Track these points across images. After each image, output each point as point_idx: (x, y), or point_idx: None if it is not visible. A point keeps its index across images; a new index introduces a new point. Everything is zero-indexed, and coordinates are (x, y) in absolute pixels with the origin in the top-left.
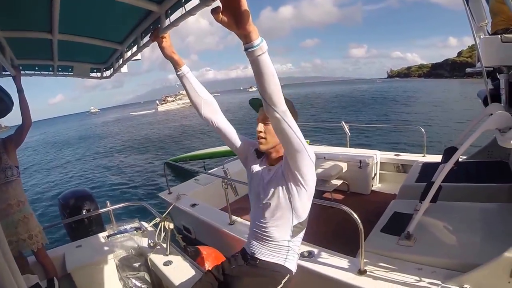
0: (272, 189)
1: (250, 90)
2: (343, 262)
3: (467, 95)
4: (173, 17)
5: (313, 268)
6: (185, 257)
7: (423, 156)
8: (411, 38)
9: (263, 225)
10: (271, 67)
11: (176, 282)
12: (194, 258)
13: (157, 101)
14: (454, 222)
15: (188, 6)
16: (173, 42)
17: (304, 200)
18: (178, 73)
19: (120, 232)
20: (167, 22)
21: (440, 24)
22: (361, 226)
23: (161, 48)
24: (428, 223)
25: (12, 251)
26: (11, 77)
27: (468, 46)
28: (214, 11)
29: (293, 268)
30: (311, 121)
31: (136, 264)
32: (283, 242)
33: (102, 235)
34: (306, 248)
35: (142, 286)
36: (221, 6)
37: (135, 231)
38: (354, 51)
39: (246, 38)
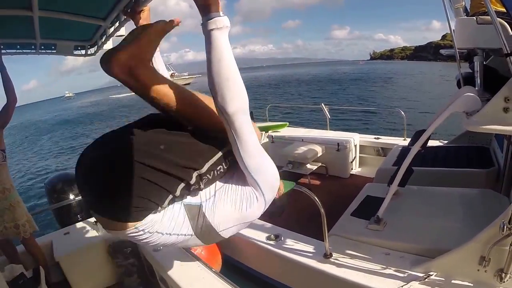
0: None
1: None
2: (310, 246)
3: (449, 78)
4: None
5: (279, 251)
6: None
7: (404, 139)
8: (394, 20)
9: None
10: (222, 49)
11: (167, 267)
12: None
13: None
14: (428, 207)
15: None
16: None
17: None
18: None
19: None
20: None
21: (424, 7)
22: (322, 209)
23: (137, 24)
24: (401, 207)
25: None
26: None
27: (453, 30)
28: None
29: None
30: (291, 102)
31: (127, 250)
32: None
33: (90, 221)
34: (275, 231)
35: (133, 272)
36: None
37: None
38: (336, 33)
39: (204, 10)
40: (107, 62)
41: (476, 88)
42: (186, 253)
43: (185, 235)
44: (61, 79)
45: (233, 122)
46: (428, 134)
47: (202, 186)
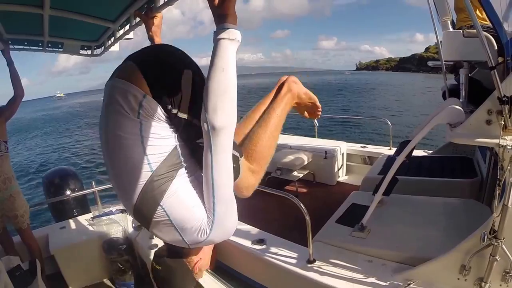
0: None
1: None
2: (294, 251)
3: (431, 89)
4: None
5: (263, 255)
6: None
7: (389, 149)
8: (380, 32)
9: None
10: (228, 60)
11: None
12: None
13: None
14: (412, 215)
15: None
16: (144, 32)
17: None
18: None
19: (106, 214)
20: (161, 1)
21: (408, 20)
22: (307, 217)
23: (149, 30)
24: (386, 215)
25: None
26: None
27: (435, 43)
28: None
29: None
30: None
31: (121, 247)
32: None
33: (86, 217)
34: (260, 235)
35: (127, 269)
36: None
37: (120, 214)
38: (323, 43)
39: (220, 19)
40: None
41: (461, 100)
42: None
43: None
44: (52, 79)
45: (216, 136)
46: (413, 145)
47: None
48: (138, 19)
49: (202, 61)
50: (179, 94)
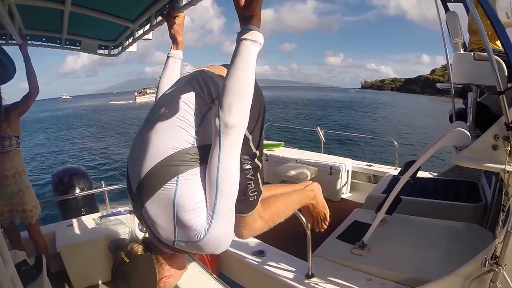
0: None
1: None
2: (293, 265)
3: (435, 111)
4: None
5: (262, 267)
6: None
7: (395, 168)
8: (386, 52)
9: None
10: (249, 60)
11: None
12: None
13: (136, 92)
14: (413, 236)
15: None
16: (154, 36)
17: None
18: (171, 52)
19: (113, 214)
20: (184, 1)
21: (415, 40)
22: (308, 231)
23: (171, 28)
24: (387, 235)
25: (3, 222)
26: (18, 46)
27: (442, 65)
28: None
29: None
30: (286, 123)
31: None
32: None
33: (94, 216)
34: (260, 247)
35: None
36: None
37: (128, 214)
38: (330, 59)
39: (245, 20)
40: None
41: (468, 124)
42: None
43: None
44: (59, 80)
45: (227, 135)
46: (418, 165)
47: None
48: (159, 19)
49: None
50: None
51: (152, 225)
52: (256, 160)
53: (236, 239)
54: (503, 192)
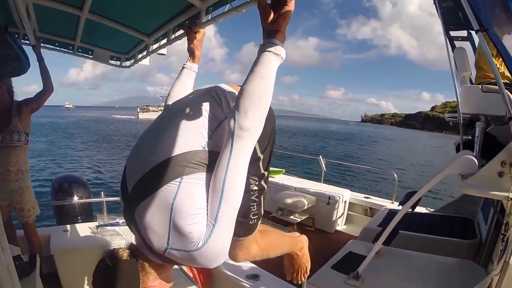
0: None
1: None
2: None
3: (435, 147)
4: (216, 12)
5: None
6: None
7: (392, 202)
8: (387, 88)
9: None
10: (269, 70)
11: None
12: None
13: (138, 108)
14: (408, 270)
15: (236, 3)
16: (156, 59)
17: None
18: (188, 64)
19: (111, 225)
20: (206, 17)
21: (415, 79)
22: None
23: (190, 42)
24: (382, 267)
25: (3, 216)
26: (31, 47)
27: (442, 103)
28: None
29: None
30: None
31: None
32: None
33: (91, 225)
34: (254, 270)
35: None
36: None
37: (126, 226)
38: (331, 92)
39: (270, 35)
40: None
41: (474, 153)
42: (183, 272)
43: None
44: (62, 90)
45: (240, 138)
46: (421, 194)
47: None
48: (177, 34)
49: None
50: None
51: (144, 229)
52: (262, 182)
53: (231, 261)
54: (504, 222)
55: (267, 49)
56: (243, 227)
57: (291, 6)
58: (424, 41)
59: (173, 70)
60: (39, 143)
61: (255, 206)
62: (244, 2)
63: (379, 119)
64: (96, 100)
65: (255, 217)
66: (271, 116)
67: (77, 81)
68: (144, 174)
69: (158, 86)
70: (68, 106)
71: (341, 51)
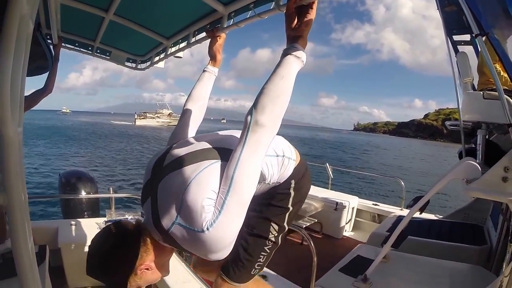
0: None
1: (222, 122)
2: None
3: (428, 155)
4: (238, 18)
5: None
6: (181, 256)
7: (401, 209)
8: (379, 95)
9: None
10: (289, 72)
11: (169, 280)
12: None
13: (136, 115)
14: (416, 275)
15: (258, 9)
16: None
17: None
18: (209, 67)
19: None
20: (228, 23)
21: (407, 85)
22: (315, 257)
23: (212, 45)
24: (390, 271)
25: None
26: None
27: (435, 110)
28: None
29: None
30: None
31: None
32: None
33: (99, 220)
34: (263, 271)
35: None
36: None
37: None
38: (323, 100)
39: (293, 40)
40: None
41: (477, 161)
42: (189, 269)
43: None
44: (60, 94)
45: (254, 132)
46: (428, 197)
47: None
48: (198, 37)
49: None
50: None
51: (160, 199)
52: (280, 237)
53: None
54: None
55: (289, 53)
56: (241, 273)
57: (312, 15)
58: (417, 45)
59: (169, 75)
60: (40, 146)
61: (264, 257)
62: (267, 9)
63: (372, 128)
64: (93, 106)
65: (258, 268)
66: (309, 180)
67: (75, 85)
68: (187, 153)
69: (154, 92)
70: (65, 110)
71: (335, 56)
